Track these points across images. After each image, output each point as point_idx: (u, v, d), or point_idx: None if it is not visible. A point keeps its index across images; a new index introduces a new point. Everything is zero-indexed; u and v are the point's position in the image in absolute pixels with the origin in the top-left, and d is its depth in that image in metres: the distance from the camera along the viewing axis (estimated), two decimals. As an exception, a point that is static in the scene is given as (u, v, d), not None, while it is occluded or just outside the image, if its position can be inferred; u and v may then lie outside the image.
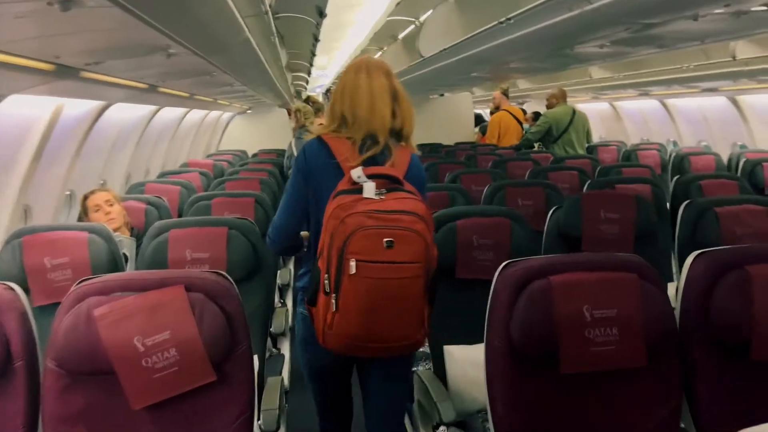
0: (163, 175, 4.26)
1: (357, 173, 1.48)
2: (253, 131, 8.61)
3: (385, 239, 1.41)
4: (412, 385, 2.00)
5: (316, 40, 4.96)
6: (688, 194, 3.14)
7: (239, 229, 2.10)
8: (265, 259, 2.12)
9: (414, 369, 2.24)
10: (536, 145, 5.88)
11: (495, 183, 3.04)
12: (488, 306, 1.40)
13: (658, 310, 1.36)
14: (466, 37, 2.84)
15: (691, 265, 1.44)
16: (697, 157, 4.77)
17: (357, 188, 1.47)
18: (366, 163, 1.53)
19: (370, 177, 1.48)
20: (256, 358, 1.80)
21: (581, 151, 5.64)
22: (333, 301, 1.43)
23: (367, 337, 1.45)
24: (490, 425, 1.39)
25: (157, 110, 4.11)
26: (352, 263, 1.41)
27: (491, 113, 7.63)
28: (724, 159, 4.92)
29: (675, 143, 6.74)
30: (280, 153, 6.44)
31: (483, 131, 7.71)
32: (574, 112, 5.62)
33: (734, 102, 5.21)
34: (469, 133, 8.37)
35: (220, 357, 1.30)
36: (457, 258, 2.09)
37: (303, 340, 1.66)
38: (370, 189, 1.47)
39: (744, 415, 1.33)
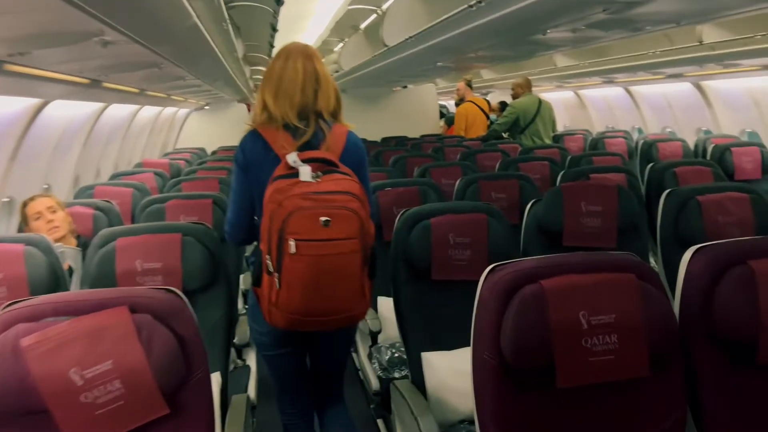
0: (115, 176, 4.00)
1: (292, 158, 1.56)
2: (212, 128, 8.35)
3: (322, 218, 1.51)
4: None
5: (274, 30, 4.75)
6: (663, 182, 3.12)
7: (194, 234, 1.92)
8: (224, 266, 1.96)
9: (391, 377, 2.24)
10: (504, 134, 5.85)
11: (467, 176, 2.95)
12: (474, 315, 1.29)
13: (659, 313, 1.25)
14: (432, 23, 2.69)
15: (690, 260, 1.33)
16: (664, 143, 4.76)
17: (293, 173, 1.55)
18: (302, 148, 1.61)
19: (305, 161, 1.56)
20: (218, 375, 1.82)
21: (548, 141, 5.62)
22: (276, 279, 1.51)
23: (311, 311, 1.53)
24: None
25: (105, 107, 3.83)
26: (292, 243, 1.50)
27: (456, 105, 7.47)
28: (690, 145, 4.87)
29: (640, 130, 6.75)
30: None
31: (449, 123, 7.63)
32: (540, 101, 5.59)
33: (699, 87, 5.20)
34: (434, 125, 8.27)
35: (174, 386, 1.16)
36: (433, 258, 1.99)
37: (253, 316, 1.75)
38: (305, 172, 1.55)
39: (753, 424, 1.26)
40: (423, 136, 7.33)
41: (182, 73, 3.19)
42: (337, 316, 1.57)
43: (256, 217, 1.71)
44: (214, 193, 2.78)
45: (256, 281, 1.61)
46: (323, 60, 1.80)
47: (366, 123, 8.24)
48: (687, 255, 1.34)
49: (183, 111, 7.70)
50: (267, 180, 1.58)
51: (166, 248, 1.88)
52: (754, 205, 2.24)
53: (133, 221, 2.86)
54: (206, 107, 8.15)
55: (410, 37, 2.95)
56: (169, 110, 6.76)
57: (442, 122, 8.30)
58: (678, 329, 1.28)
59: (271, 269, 1.53)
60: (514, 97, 5.82)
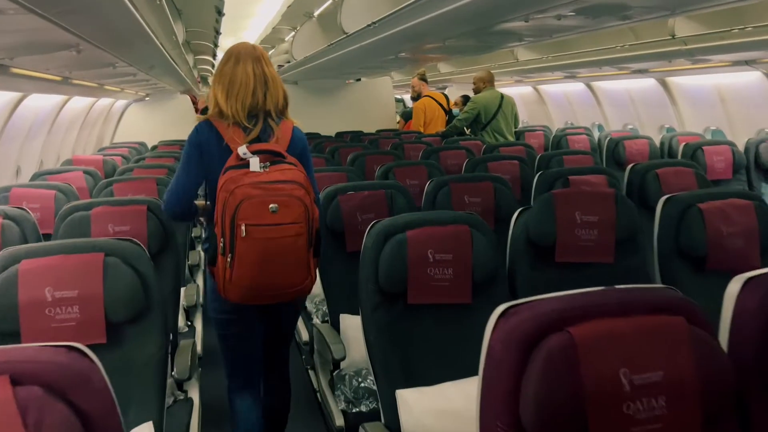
0: (37, 176, 3.53)
1: (242, 150, 1.75)
2: (153, 120, 7.90)
3: (270, 205, 1.71)
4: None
5: (220, 14, 4.34)
6: (645, 185, 2.98)
7: (121, 254, 1.65)
8: (157, 289, 1.70)
9: (357, 410, 2.14)
10: (466, 130, 5.70)
11: (435, 178, 2.76)
12: (481, 373, 1.04)
13: (712, 366, 1.01)
14: (397, 8, 2.38)
15: (739, 294, 1.09)
16: (631, 141, 4.62)
17: (244, 164, 1.73)
18: (252, 142, 1.79)
19: (255, 153, 1.75)
20: (149, 426, 1.66)
21: (510, 138, 5.50)
22: (228, 260, 1.70)
23: (261, 286, 1.74)
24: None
25: (21, 98, 3.36)
26: (243, 227, 1.70)
27: (413, 100, 7.08)
28: (656, 143, 4.75)
29: (601, 127, 6.64)
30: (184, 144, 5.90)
31: (406, 118, 7.45)
32: (502, 96, 5.46)
33: (663, 84, 5.07)
34: (390, 119, 8.07)
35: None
36: (410, 279, 1.80)
37: (212, 290, 1.89)
38: (255, 163, 1.74)
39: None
40: (379, 131, 7.14)
41: (110, 59, 2.87)
42: (284, 290, 1.78)
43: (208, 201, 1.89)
44: (150, 198, 2.36)
45: (212, 261, 1.80)
46: (273, 50, 2.19)
47: (319, 117, 7.95)
48: (734, 286, 1.10)
49: (121, 102, 7.13)
50: (218, 168, 1.77)
51: (84, 272, 1.60)
52: (758, 213, 2.07)
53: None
54: (146, 98, 7.56)
55: (373, 23, 2.65)
56: (104, 101, 6.19)
57: (398, 117, 8.00)
58: (733, 383, 1.03)
59: (224, 251, 1.72)
60: (476, 91, 5.66)
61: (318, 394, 2.52)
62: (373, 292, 1.78)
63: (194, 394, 2.21)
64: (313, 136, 6.53)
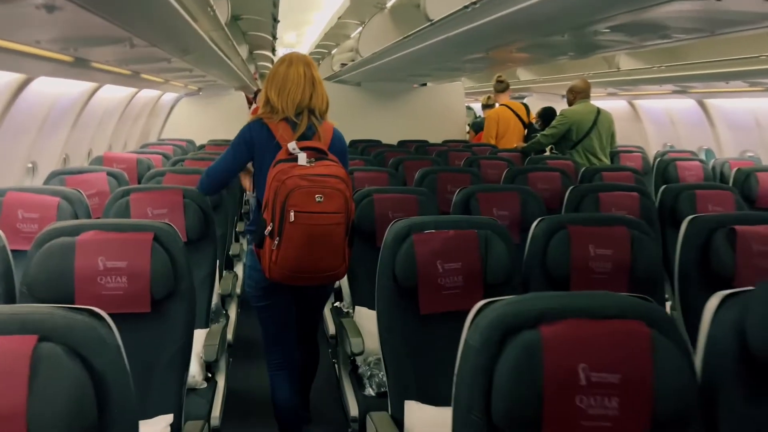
0: (54, 176, 3.28)
1: (292, 146, 2.11)
2: (204, 117, 7.82)
3: (316, 195, 2.06)
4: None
5: (275, 20, 3.93)
6: (678, 206, 3.05)
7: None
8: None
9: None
10: (547, 149, 5.43)
11: (465, 189, 2.94)
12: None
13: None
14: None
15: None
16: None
17: (293, 158, 2.10)
18: (298, 139, 2.17)
19: (302, 149, 2.12)
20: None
21: (605, 159, 5.08)
22: (276, 242, 2.06)
23: (303, 268, 2.10)
24: None
25: (24, 81, 2.87)
26: (292, 213, 2.04)
27: (483, 107, 6.48)
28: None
29: (710, 152, 5.72)
30: None
31: (475, 129, 7.29)
32: (598, 111, 5.01)
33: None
34: (459, 129, 7.85)
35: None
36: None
37: (250, 267, 2.30)
38: (302, 158, 2.10)
39: None
40: (446, 142, 6.87)
41: (161, 54, 3.11)
42: (322, 273, 2.15)
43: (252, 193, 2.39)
44: (163, 226, 1.89)
45: (259, 243, 2.15)
46: (337, 48, 3.10)
47: (381, 122, 7.60)
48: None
49: (170, 96, 6.74)
50: (266, 162, 2.18)
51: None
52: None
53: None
54: (200, 93, 7.31)
55: (472, 3, 2.48)
56: (148, 93, 5.76)
57: (467, 127, 7.87)
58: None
59: (273, 234, 2.07)
60: (569, 103, 5.21)
61: (339, 384, 2.73)
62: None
63: (220, 378, 2.43)
64: (372, 144, 6.41)
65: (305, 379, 2.60)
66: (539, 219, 2.17)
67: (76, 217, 2.45)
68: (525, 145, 5.51)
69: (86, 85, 4.13)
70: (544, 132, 5.21)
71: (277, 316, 2.34)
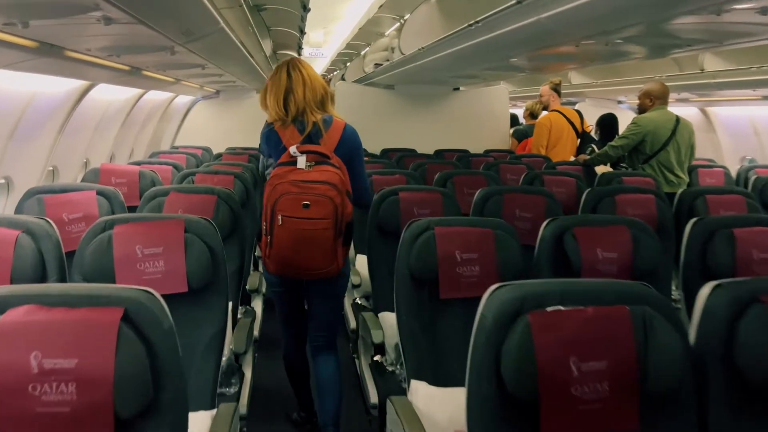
0: (31, 195, 2.44)
1: (293, 149, 2.33)
2: (223, 122, 7.47)
3: (304, 202, 2.29)
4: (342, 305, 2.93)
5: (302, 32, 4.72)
6: (693, 209, 3.27)
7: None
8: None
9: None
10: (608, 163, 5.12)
11: (487, 188, 3.13)
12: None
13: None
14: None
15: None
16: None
17: (293, 161, 2.32)
18: (304, 141, 2.42)
19: (305, 152, 2.33)
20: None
21: (683, 176, 4.64)
22: (269, 239, 2.37)
23: (291, 265, 2.39)
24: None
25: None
26: (279, 217, 2.31)
27: (531, 117, 6.56)
28: None
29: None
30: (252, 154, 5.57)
31: (519, 137, 6.80)
32: (677, 120, 4.56)
33: None
34: (502, 137, 7.43)
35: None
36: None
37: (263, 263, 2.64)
38: (302, 161, 2.30)
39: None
40: (488, 152, 6.55)
41: (167, 42, 2.72)
42: (311, 271, 2.40)
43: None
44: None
45: (259, 237, 2.46)
46: (369, 47, 3.59)
47: (416, 129, 7.10)
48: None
49: (184, 99, 6.20)
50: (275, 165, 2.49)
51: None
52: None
53: None
54: (218, 95, 7.59)
55: None
56: (158, 95, 5.22)
57: (510, 135, 7.48)
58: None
59: (266, 233, 2.37)
60: (641, 110, 4.76)
61: (359, 379, 3.08)
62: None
63: (247, 369, 2.76)
64: (407, 153, 6.08)
65: (329, 394, 2.68)
66: (548, 220, 2.40)
67: (40, 258, 2.04)
68: (588, 157, 5.23)
69: (75, 83, 3.73)
70: (612, 143, 4.83)
71: (285, 300, 2.65)
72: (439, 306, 2.23)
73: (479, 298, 1.40)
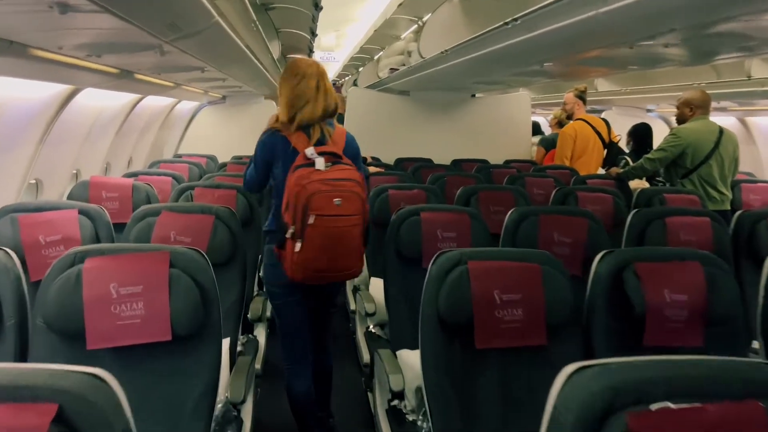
0: (6, 213, 2.34)
1: (310, 151, 2.32)
2: (229, 129, 7.15)
3: (335, 199, 2.28)
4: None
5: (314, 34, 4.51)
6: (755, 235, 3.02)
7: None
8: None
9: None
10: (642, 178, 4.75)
11: (520, 208, 2.87)
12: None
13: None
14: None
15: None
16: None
17: (310, 162, 2.32)
18: (314, 145, 2.43)
19: (319, 154, 2.34)
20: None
21: (726, 192, 4.36)
22: (298, 243, 2.29)
23: (322, 267, 2.34)
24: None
25: None
26: (312, 216, 2.26)
27: (557, 124, 6.20)
28: None
29: None
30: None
31: (547, 146, 6.31)
32: (721, 131, 4.28)
33: None
34: (524, 147, 7.08)
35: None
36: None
37: (271, 264, 2.49)
38: (320, 163, 2.30)
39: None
40: (509, 162, 6.22)
41: (156, 42, 2.45)
42: (340, 273, 2.41)
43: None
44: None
45: (281, 245, 2.37)
46: (382, 51, 3.38)
47: (432, 138, 6.75)
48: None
49: (188, 105, 5.91)
50: (285, 169, 2.38)
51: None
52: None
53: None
54: (224, 101, 7.26)
55: None
56: (158, 100, 4.94)
57: (535, 143, 7.00)
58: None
59: (295, 236, 2.29)
60: (680, 120, 4.44)
61: (375, 420, 2.94)
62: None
63: (246, 416, 2.51)
64: (424, 164, 5.74)
65: (322, 388, 2.82)
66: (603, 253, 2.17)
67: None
68: (620, 170, 4.85)
69: (57, 88, 3.42)
70: (649, 155, 4.49)
71: (293, 312, 2.57)
72: (474, 356, 1.92)
73: (522, 349, 1.55)
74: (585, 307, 2.07)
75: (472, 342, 1.90)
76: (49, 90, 3.37)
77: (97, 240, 2.58)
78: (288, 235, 2.31)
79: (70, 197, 3.46)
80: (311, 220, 2.24)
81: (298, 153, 2.38)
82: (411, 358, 2.40)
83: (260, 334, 3.19)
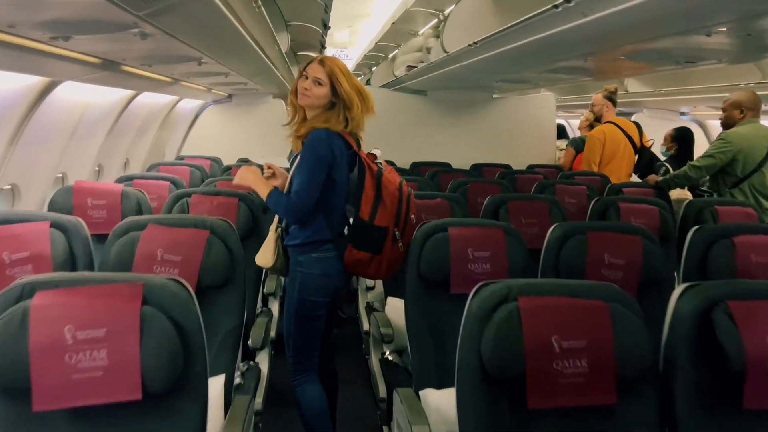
0: None
1: (379, 153, 2.41)
2: (237, 130, 6.77)
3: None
4: None
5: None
6: (700, 218, 3.36)
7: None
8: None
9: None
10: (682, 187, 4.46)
11: (563, 224, 2.57)
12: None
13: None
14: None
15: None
16: None
17: (380, 167, 2.39)
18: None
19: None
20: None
21: None
22: (400, 244, 2.37)
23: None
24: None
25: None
26: (413, 216, 2.42)
27: (588, 127, 5.78)
28: None
29: None
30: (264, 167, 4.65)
31: (577, 147, 5.97)
32: None
33: None
34: (549, 151, 6.77)
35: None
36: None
37: (320, 275, 2.38)
38: (385, 164, 2.42)
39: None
40: (532, 167, 5.94)
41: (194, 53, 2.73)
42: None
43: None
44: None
45: (378, 250, 2.36)
46: (398, 49, 4.37)
47: (449, 141, 6.46)
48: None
49: (192, 103, 5.59)
50: (343, 175, 2.37)
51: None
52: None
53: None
54: (230, 99, 6.84)
55: None
56: (157, 98, 4.68)
57: (562, 146, 6.80)
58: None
59: (397, 238, 2.35)
60: (726, 124, 4.11)
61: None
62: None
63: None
64: (444, 168, 5.52)
65: (331, 400, 2.74)
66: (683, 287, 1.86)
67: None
68: (660, 177, 4.43)
69: (30, 80, 2.96)
70: (695, 162, 4.14)
71: (326, 321, 2.51)
72: (525, 417, 1.54)
73: (585, 409, 1.51)
74: (661, 355, 1.69)
75: (523, 399, 1.54)
76: (20, 82, 2.90)
77: (72, 258, 2.22)
78: (390, 239, 2.36)
79: (51, 205, 3.07)
80: (413, 219, 2.41)
81: (354, 157, 2.38)
82: (437, 400, 2.11)
83: (263, 360, 2.85)
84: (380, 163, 2.45)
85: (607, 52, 3.32)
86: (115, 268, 2.17)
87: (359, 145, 2.45)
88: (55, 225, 2.24)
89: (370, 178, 2.36)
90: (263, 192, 2.38)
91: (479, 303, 1.62)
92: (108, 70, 2.96)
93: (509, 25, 3.04)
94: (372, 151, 2.46)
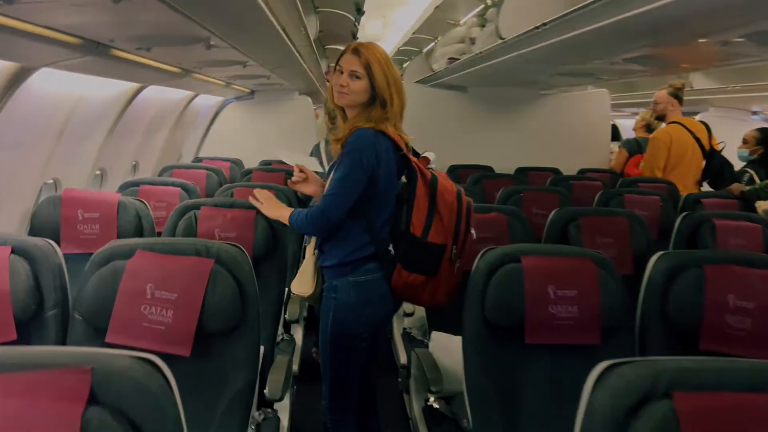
0: None
1: (432, 156, 2.17)
2: (260, 129, 6.36)
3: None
4: None
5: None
6: None
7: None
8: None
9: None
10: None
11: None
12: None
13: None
14: None
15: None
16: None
17: (434, 173, 2.16)
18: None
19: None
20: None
21: None
22: (457, 266, 2.10)
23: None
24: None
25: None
26: (473, 231, 2.15)
27: (645, 127, 5.46)
28: None
29: None
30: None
31: (630, 149, 5.54)
32: None
33: None
34: (602, 154, 6.22)
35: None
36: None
37: (361, 303, 2.08)
38: (438, 172, 2.16)
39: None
40: (583, 172, 5.47)
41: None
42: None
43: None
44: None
45: (433, 271, 2.06)
46: (437, 41, 3.66)
47: (492, 142, 6.10)
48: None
49: (210, 100, 5.26)
50: (389, 182, 2.06)
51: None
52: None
53: None
54: (252, 96, 6.41)
55: None
56: (172, 93, 4.85)
57: (616, 148, 6.21)
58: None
59: (454, 257, 2.08)
60: None
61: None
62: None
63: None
64: (487, 173, 5.11)
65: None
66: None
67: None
68: (745, 187, 4.11)
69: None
70: None
71: (366, 356, 2.19)
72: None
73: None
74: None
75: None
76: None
77: (38, 293, 1.74)
78: (448, 259, 2.07)
79: (34, 218, 2.59)
80: (474, 234, 2.17)
81: (403, 158, 2.08)
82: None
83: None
84: (433, 168, 2.16)
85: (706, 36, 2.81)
86: (89, 311, 1.72)
87: (409, 148, 2.17)
88: (17, 251, 1.78)
89: (423, 185, 2.07)
90: (284, 217, 2.13)
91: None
92: (92, 54, 2.37)
93: (584, 3, 2.55)
94: (424, 155, 2.17)
